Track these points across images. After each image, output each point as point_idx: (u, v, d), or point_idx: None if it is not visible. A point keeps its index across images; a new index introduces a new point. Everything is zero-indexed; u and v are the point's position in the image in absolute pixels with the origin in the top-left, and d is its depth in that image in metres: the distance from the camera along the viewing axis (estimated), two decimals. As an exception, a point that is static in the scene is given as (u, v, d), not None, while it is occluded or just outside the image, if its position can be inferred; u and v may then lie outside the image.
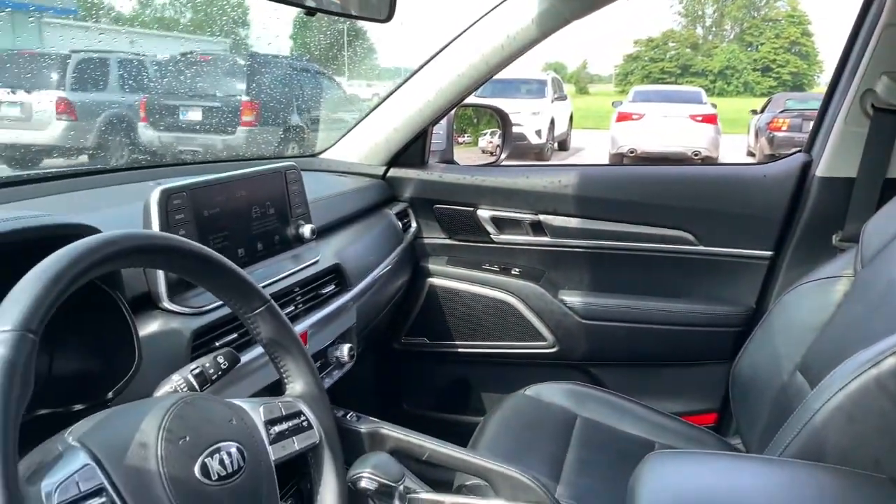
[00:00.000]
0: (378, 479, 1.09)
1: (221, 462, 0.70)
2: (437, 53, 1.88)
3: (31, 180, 1.38)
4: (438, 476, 1.47)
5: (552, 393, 1.71)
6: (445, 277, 2.04)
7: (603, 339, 1.97)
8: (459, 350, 2.07)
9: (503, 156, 2.24)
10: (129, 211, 1.10)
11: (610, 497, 1.43)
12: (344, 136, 2.04)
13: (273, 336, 0.86)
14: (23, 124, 8.55)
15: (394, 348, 2.10)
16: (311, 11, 1.10)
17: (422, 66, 1.91)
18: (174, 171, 1.59)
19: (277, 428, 0.81)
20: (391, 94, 1.96)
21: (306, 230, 1.33)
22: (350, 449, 1.21)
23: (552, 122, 13.43)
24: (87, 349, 0.94)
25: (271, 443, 0.80)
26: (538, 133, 12.83)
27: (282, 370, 0.88)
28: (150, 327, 1.01)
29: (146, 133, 9.22)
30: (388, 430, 1.42)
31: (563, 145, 14.82)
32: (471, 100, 2.01)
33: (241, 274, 0.83)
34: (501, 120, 2.28)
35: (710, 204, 1.91)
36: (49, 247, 0.68)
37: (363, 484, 1.09)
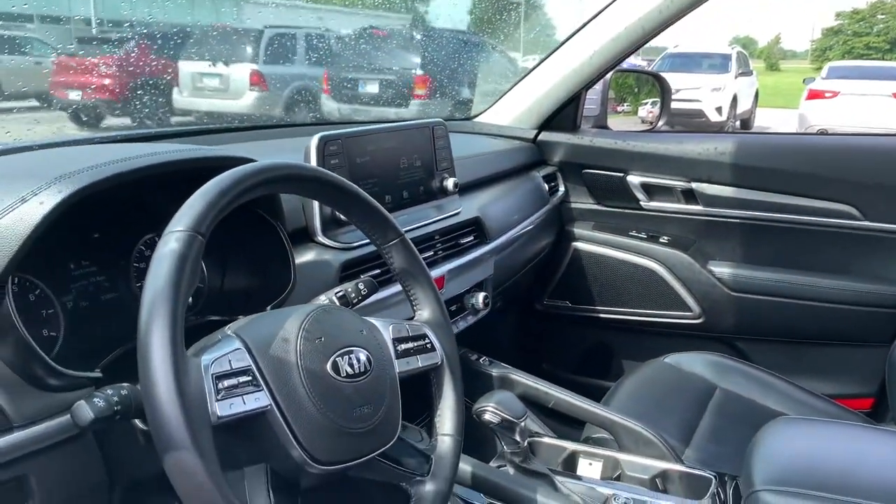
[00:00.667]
0: (501, 413, 1.17)
1: (350, 363, 0.80)
2: (593, 17, 1.90)
3: (218, 130, 1.59)
4: (568, 433, 1.52)
5: (693, 362, 1.70)
6: (591, 242, 2.07)
7: (752, 312, 1.91)
8: (601, 315, 2.09)
9: (660, 124, 2.22)
10: (295, 157, 1.24)
11: (740, 465, 1.42)
12: (498, 99, 2.11)
13: (405, 266, 0.95)
14: (221, 94, 9.37)
15: (536, 309, 2.16)
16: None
17: (577, 30, 1.93)
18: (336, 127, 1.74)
19: (403, 346, 0.90)
20: (546, 58, 1.99)
21: (450, 183, 1.41)
22: (482, 390, 1.29)
23: (734, 98, 12.70)
24: (253, 271, 1.09)
25: (397, 357, 0.89)
26: (718, 110, 12.19)
27: (411, 298, 0.97)
28: (305, 256, 1.14)
29: (328, 104, 9.78)
30: (517, 376, 1.50)
31: (745, 124, 13.98)
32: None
33: (380, 208, 0.93)
34: (661, 88, 2.25)
35: (880, 177, 1.79)
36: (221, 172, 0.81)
37: (487, 417, 1.18)
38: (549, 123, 2.05)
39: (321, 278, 1.11)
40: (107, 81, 9.52)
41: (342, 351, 0.80)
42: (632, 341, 2.09)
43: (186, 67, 9.51)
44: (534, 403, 1.49)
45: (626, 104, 2.67)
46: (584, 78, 1.95)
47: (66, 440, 0.79)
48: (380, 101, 9.65)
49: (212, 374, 0.69)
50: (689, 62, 12.36)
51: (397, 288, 1.09)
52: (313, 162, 1.15)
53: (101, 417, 0.68)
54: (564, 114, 2.04)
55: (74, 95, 9.36)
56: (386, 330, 0.90)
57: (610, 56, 1.89)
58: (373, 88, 9.80)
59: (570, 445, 1.37)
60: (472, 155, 1.74)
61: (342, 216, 1.10)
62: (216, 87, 9.46)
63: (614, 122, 2.27)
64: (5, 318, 0.76)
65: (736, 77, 12.92)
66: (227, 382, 0.70)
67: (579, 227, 2.08)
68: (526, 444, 1.21)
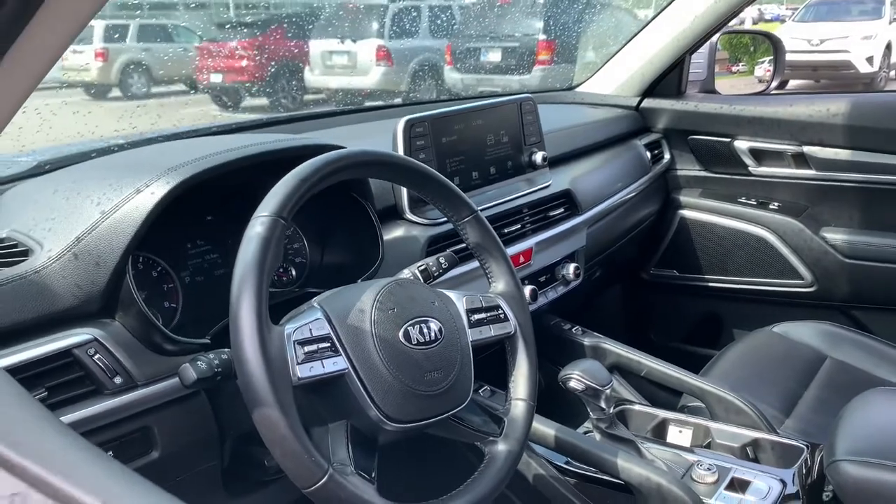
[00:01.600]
0: (585, 381, 1.21)
1: (421, 332, 0.87)
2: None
3: (325, 114, 1.70)
4: (664, 403, 1.53)
5: (803, 331, 1.66)
6: (698, 210, 2.03)
7: (868, 280, 1.82)
8: (710, 284, 2.06)
9: (773, 84, 2.13)
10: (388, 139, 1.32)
11: None
12: (601, 67, 2.10)
13: (479, 241, 1.01)
14: (349, 71, 9.67)
15: (643, 279, 2.16)
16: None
17: (679, -6, 1.89)
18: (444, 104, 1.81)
19: (476, 316, 0.97)
20: (647, 24, 1.97)
21: (538, 157, 1.45)
22: (573, 359, 1.33)
23: (889, 47, 11.66)
24: (348, 247, 1.19)
25: (470, 327, 0.95)
26: (869, 60, 11.23)
27: (486, 271, 1.03)
28: (394, 232, 1.23)
29: (451, 76, 9.87)
30: (609, 345, 1.52)
31: (901, 74, 12.81)
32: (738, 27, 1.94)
33: (452, 187, 0.99)
34: (774, 47, 2.15)
35: None
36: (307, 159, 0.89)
37: (572, 384, 1.22)
38: (652, 90, 2.03)
39: (409, 253, 1.19)
40: (244, 64, 10.07)
41: (414, 321, 0.87)
42: (742, 311, 2.05)
43: (317, 47, 9.89)
44: (627, 372, 1.52)
45: (741, 64, 2.56)
46: (688, 42, 1.91)
47: (182, 397, 0.92)
48: (503, 70, 9.62)
49: (294, 341, 0.79)
50: (835, 9, 11.44)
51: (473, 264, 1.15)
52: (400, 143, 1.23)
53: (203, 378, 0.79)
54: (668, 80, 2.01)
55: (216, 79, 9.98)
56: (459, 301, 0.97)
57: (712, 19, 1.84)
58: (495, 57, 9.78)
59: (661, 413, 1.39)
60: (568, 126, 1.76)
61: (423, 197, 1.17)
62: (345, 64, 9.76)
63: (729, 83, 2.21)
64: (127, 294, 0.89)
65: (891, 22, 11.84)
66: (307, 348, 0.79)
67: (686, 195, 2.05)
68: (612, 410, 1.25)
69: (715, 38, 1.98)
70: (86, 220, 0.89)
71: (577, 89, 2.11)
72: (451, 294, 0.97)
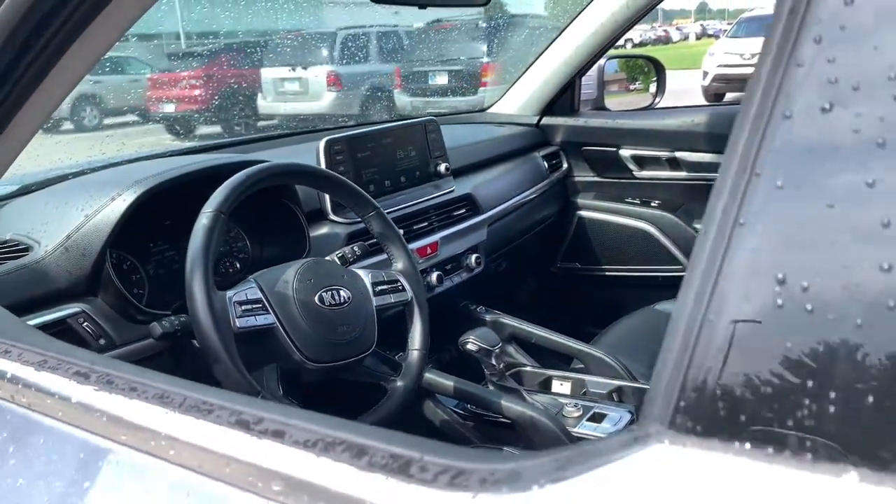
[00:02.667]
0: (479, 343, 1.51)
1: (332, 296, 1.17)
2: (582, 10, 2.19)
3: (267, 138, 1.99)
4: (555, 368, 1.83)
5: None
6: (593, 210, 2.37)
7: None
8: (607, 273, 2.40)
9: (657, 100, 2.48)
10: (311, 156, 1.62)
11: None
12: (507, 90, 2.43)
13: (382, 231, 1.31)
14: (301, 97, 9.93)
15: (551, 272, 2.48)
16: (421, 6, 1.51)
17: (570, 23, 2.23)
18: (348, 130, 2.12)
19: (380, 287, 1.26)
20: (543, 51, 2.30)
21: (442, 167, 1.77)
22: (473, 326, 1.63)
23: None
24: (282, 243, 1.48)
25: (375, 295, 1.25)
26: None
27: (388, 254, 1.33)
28: (319, 230, 1.52)
29: (401, 98, 10.20)
30: (506, 319, 1.84)
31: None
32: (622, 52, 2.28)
33: (358, 189, 1.29)
34: (656, 68, 2.51)
35: None
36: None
37: (468, 346, 1.52)
38: (550, 108, 2.36)
39: (331, 246, 1.49)
40: (196, 93, 10.25)
41: (327, 288, 1.17)
42: (634, 294, 2.38)
43: (268, 74, 10.14)
44: (523, 342, 1.83)
45: (637, 83, 2.92)
46: (576, 65, 2.26)
47: (151, 356, 1.20)
48: (450, 91, 9.98)
49: (234, 301, 1.08)
50: (766, 26, 12.11)
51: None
52: (322, 158, 1.53)
53: (167, 333, 1.08)
54: (563, 99, 2.35)
55: (168, 108, 10.15)
56: (366, 276, 1.27)
57: (595, 45, 2.19)
58: (442, 80, 10.13)
59: (548, 371, 1.70)
60: (474, 142, 2.08)
61: (334, 198, 1.47)
62: (296, 90, 10.00)
63: (627, 100, 2.55)
64: (107, 278, 1.17)
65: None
66: (244, 307, 1.08)
67: (583, 198, 2.39)
68: (502, 367, 1.55)
69: (602, 61, 2.33)
70: (73, 222, 1.17)
71: (489, 110, 2.44)
72: (359, 271, 1.27)
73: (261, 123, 10.37)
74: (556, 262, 2.47)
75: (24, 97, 0.86)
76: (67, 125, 10.28)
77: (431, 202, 1.74)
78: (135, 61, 11.17)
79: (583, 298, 2.50)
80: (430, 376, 1.53)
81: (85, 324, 1.13)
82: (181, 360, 1.25)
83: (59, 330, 1.11)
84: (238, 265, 1.48)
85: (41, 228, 1.19)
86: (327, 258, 1.31)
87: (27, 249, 1.17)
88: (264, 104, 10.23)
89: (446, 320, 1.77)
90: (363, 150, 1.61)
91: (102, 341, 1.15)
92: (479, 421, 1.54)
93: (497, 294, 2.18)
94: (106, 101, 10.75)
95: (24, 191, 1.42)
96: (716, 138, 2.15)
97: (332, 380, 1.25)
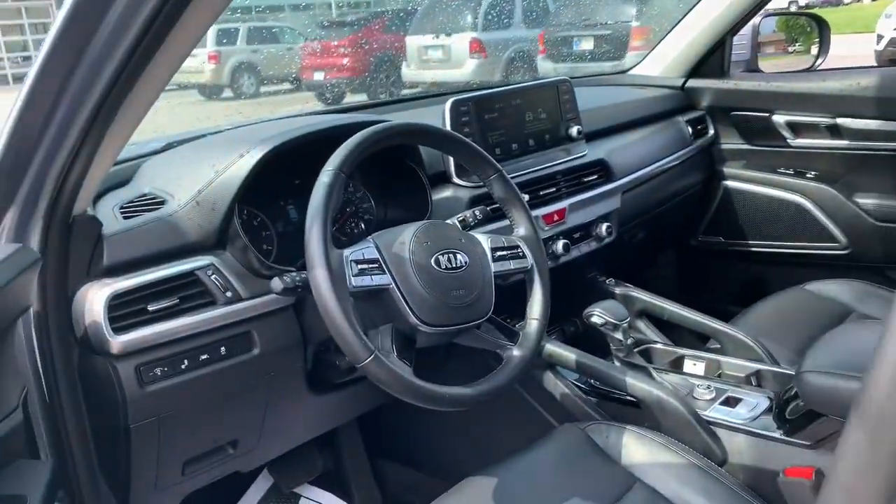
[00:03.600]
0: (605, 316, 1.45)
1: (449, 259, 1.14)
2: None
3: (397, 101, 1.99)
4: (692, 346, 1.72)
5: (833, 288, 1.81)
6: (741, 181, 2.20)
7: None
8: (753, 249, 2.23)
9: (819, 62, 2.26)
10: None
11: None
12: (650, 52, 2.30)
13: (503, 195, 1.27)
14: (444, 64, 9.98)
15: (691, 245, 2.34)
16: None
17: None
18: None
19: (499, 253, 1.22)
20: (691, 9, 2.15)
21: (574, 131, 1.69)
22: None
23: None
24: (405, 204, 1.47)
25: (493, 261, 1.21)
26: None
27: (510, 219, 1.28)
28: (442, 193, 1.50)
29: (545, 65, 10.00)
30: (637, 293, 1.75)
31: None
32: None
33: (480, 151, 1.25)
34: (819, 27, 2.28)
35: None
36: None
37: (593, 319, 1.46)
38: (697, 70, 2.21)
39: (453, 209, 1.46)
40: (344, 61, 10.54)
41: (444, 251, 1.14)
42: (781, 273, 2.20)
43: (413, 42, 10.25)
44: (652, 317, 1.73)
45: (797, 44, 2.68)
46: (728, 23, 2.09)
47: (275, 310, 1.23)
48: (596, 57, 9.67)
49: (350, 260, 1.07)
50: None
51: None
52: (447, 120, 1.50)
53: (288, 288, 1.09)
54: (712, 60, 2.18)
55: (319, 76, 10.51)
56: (486, 241, 1.23)
57: (750, 1, 2.00)
58: (588, 45, 9.84)
59: (680, 350, 1.60)
60: (611, 105, 1.98)
61: (456, 160, 1.44)
62: (440, 57, 10.06)
63: (786, 62, 2.35)
64: (234, 232, 1.20)
65: None
66: (360, 266, 1.08)
67: (729, 167, 2.22)
68: (629, 342, 1.47)
69: (757, 19, 2.14)
70: (204, 177, 1.21)
71: (629, 72, 2.32)
72: (478, 236, 1.24)
73: (404, 91, 10.54)
74: (697, 235, 2.32)
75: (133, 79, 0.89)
76: (227, 92, 10.92)
77: (560, 167, 1.67)
78: (289, 31, 11.67)
79: (724, 275, 2.34)
80: (552, 348, 1.48)
81: (213, 276, 1.17)
82: (303, 317, 1.27)
83: (189, 281, 1.15)
84: (363, 226, 1.49)
85: (175, 183, 1.24)
86: (448, 221, 1.29)
87: (162, 203, 1.22)
88: (408, 72, 10.36)
89: (572, 291, 1.70)
90: (490, 111, 1.56)
91: (229, 294, 1.18)
92: (600, 397, 1.47)
93: (628, 266, 2.08)
94: (262, 70, 11.31)
95: (168, 148, 1.49)
96: (884, 103, 1.93)
97: (446, 344, 1.23)
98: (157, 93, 0.98)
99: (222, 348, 1.19)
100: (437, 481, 1.83)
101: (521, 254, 1.25)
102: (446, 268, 1.13)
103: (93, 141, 0.97)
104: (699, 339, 1.76)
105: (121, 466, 1.19)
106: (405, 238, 1.14)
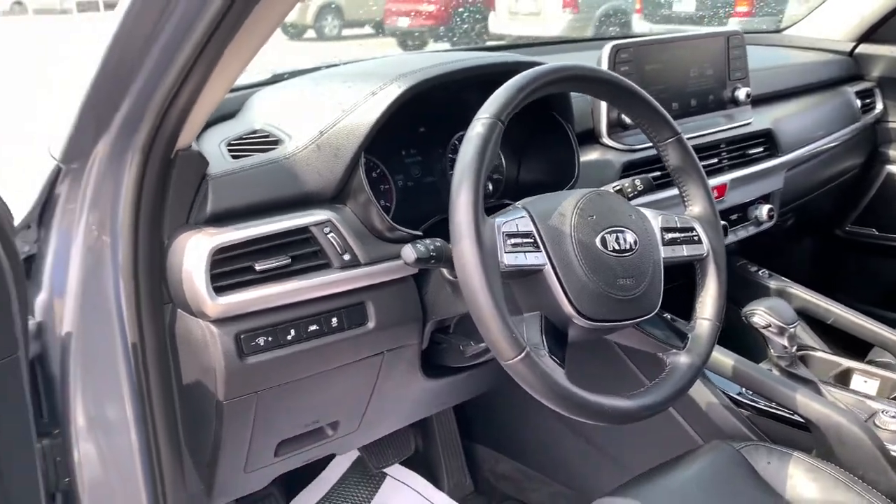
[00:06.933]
0: (769, 317, 1.22)
1: (617, 240, 0.92)
2: None
3: (528, 44, 1.76)
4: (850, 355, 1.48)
5: None
6: None
7: None
8: None
9: None
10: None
11: None
12: (814, 9, 1.99)
13: (680, 164, 1.04)
14: (534, 17, 9.60)
15: (837, 235, 2.06)
16: None
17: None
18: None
19: (670, 235, 1.00)
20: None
21: (742, 93, 1.43)
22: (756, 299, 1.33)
23: None
24: (544, 166, 1.25)
25: (664, 244, 0.99)
26: None
27: (683, 194, 1.05)
28: (590, 155, 1.28)
29: (640, 25, 9.50)
30: (796, 290, 1.50)
31: None
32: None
33: (659, 108, 1.02)
34: None
35: None
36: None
37: (755, 319, 1.23)
38: (870, 35, 1.90)
39: (603, 175, 1.24)
40: (430, 8, 10.26)
41: (611, 229, 0.93)
42: None
43: (503, -9, 9.90)
44: (812, 319, 1.48)
45: None
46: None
47: (394, 280, 1.04)
48: (695, 20, 9.14)
49: (503, 232, 0.87)
50: None
51: (673, 192, 1.17)
52: (605, 66, 1.26)
53: (421, 258, 0.89)
54: (891, 24, 1.87)
55: (402, 22, 10.27)
56: (655, 219, 1.00)
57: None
58: (688, 7, 9.28)
59: (846, 362, 1.36)
60: (774, 66, 1.70)
61: (625, 116, 1.21)
62: (530, 10, 9.68)
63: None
64: (358, 184, 1.01)
65: None
66: (513, 240, 0.87)
67: None
68: (794, 349, 1.24)
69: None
70: (328, 116, 1.01)
71: (786, 32, 2.02)
72: (647, 212, 1.01)
73: (489, 43, 10.21)
74: (845, 224, 2.03)
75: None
76: (310, 33, 10.76)
77: (724, 135, 1.42)
78: (376, -29, 11.40)
79: (873, 272, 2.05)
80: None
81: (330, 234, 0.98)
82: (425, 291, 1.08)
83: (302, 238, 0.97)
84: (490, 187, 1.28)
85: (293, 121, 1.05)
86: (609, 190, 1.07)
87: (277, 142, 1.03)
88: (495, 23, 10.02)
89: None
90: (653, 61, 1.32)
91: (346, 257, 0.99)
92: (756, 411, 1.25)
93: (774, 256, 1.82)
94: (346, 12, 11.11)
95: (276, 79, 1.30)
96: None
97: (601, 341, 1.02)
98: (279, 18, 0.79)
99: (334, 319, 1.00)
100: (531, 472, 1.65)
101: (696, 238, 1.02)
102: (613, 250, 0.92)
103: (205, 65, 0.79)
104: (858, 348, 1.50)
105: (208, 444, 1.03)
106: (566, 209, 0.92)
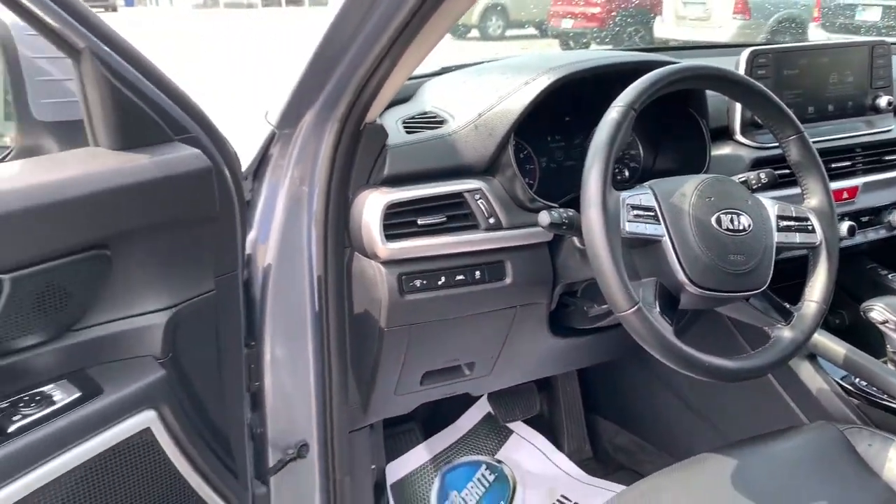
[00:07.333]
0: (888, 313, 1.28)
1: (731, 220, 1.04)
2: None
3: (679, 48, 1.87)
4: None
5: None
6: None
7: None
8: None
9: None
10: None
11: None
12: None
13: (800, 159, 1.14)
14: (702, 23, 9.37)
15: None
16: None
17: None
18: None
19: (785, 222, 1.10)
20: None
21: (883, 101, 1.48)
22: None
23: None
24: (678, 157, 1.38)
25: (778, 230, 1.10)
26: None
27: (802, 187, 1.15)
28: (722, 150, 1.39)
29: (817, 34, 9.06)
30: None
31: None
32: None
33: (782, 106, 1.12)
34: None
35: None
36: None
37: (873, 314, 1.29)
38: None
39: (732, 169, 1.35)
40: (595, 10, 10.26)
41: (727, 210, 1.05)
42: None
43: (673, -4, 9.73)
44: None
45: None
46: None
47: (530, 245, 1.22)
48: (878, 30, 8.58)
49: (627, 203, 1.02)
50: None
51: (797, 190, 1.25)
52: (741, 71, 1.37)
53: (554, 223, 1.06)
54: None
55: (566, 24, 10.35)
56: (772, 207, 1.12)
57: None
58: (873, 15, 8.74)
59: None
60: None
61: (753, 114, 1.31)
62: (699, 15, 9.47)
63: None
64: (507, 160, 1.19)
65: None
66: (636, 212, 1.02)
67: None
68: (912, 350, 1.29)
69: None
70: (486, 101, 1.20)
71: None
72: (764, 199, 1.12)
73: (642, 47, 10.05)
74: None
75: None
76: (474, 32, 11.09)
77: (860, 139, 1.48)
78: (545, -26, 11.54)
79: None
80: (819, 337, 1.33)
81: (479, 200, 1.18)
82: (556, 255, 1.25)
83: (456, 202, 1.17)
84: (627, 173, 1.43)
85: (457, 104, 1.25)
86: (733, 178, 1.18)
87: (442, 122, 1.24)
88: (661, 27, 9.87)
89: (845, 280, 1.52)
90: (791, 66, 1.41)
91: (491, 220, 1.18)
92: (865, 400, 1.31)
93: None
94: (511, 13, 11.34)
95: (443, 71, 1.51)
96: None
97: (709, 310, 1.15)
98: (455, 18, 0.98)
99: (477, 272, 1.20)
100: (647, 445, 1.77)
101: (810, 227, 1.12)
102: (727, 229, 1.05)
103: (394, 55, 1.01)
104: None
105: (369, 366, 1.25)
106: (687, 190, 1.06)
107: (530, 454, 1.78)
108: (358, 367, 1.26)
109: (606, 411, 1.85)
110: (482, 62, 1.52)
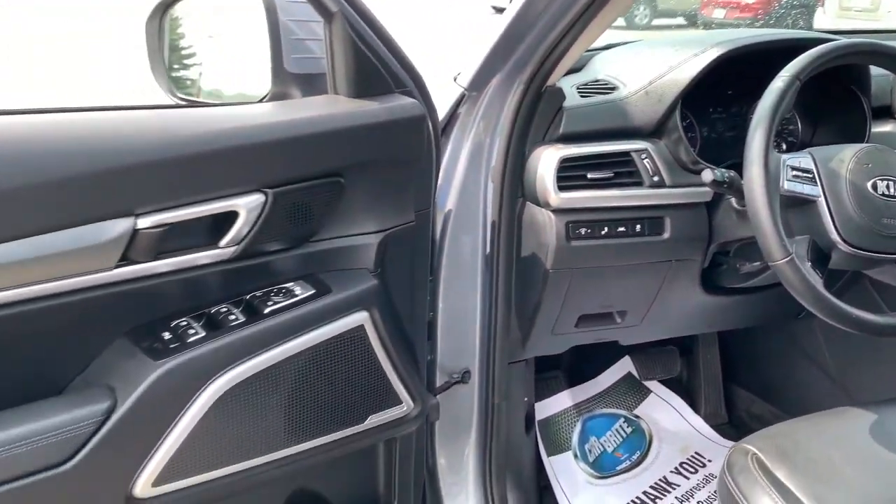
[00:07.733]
0: None
1: (887, 186, 1.11)
2: None
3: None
4: None
5: None
6: None
7: None
8: None
9: None
10: None
11: None
12: None
13: None
14: (868, 15, 8.81)
15: None
16: None
17: None
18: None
19: None
20: None
21: None
22: None
23: None
24: (836, 132, 1.44)
25: None
26: None
27: None
28: (882, 127, 1.43)
29: None
30: None
31: None
32: None
33: None
34: None
35: None
36: None
37: None
38: None
39: (892, 147, 1.39)
40: (751, 1, 9.87)
41: (883, 177, 1.12)
42: None
43: (837, -14, 9.21)
44: None
45: None
46: None
47: (690, 204, 1.33)
48: None
49: (787, 164, 1.11)
50: None
51: None
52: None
53: (716, 181, 1.17)
54: None
55: (718, 14, 10.01)
56: None
57: None
58: None
59: None
60: None
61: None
62: (864, 6, 8.92)
63: None
64: (673, 124, 1.31)
65: None
66: (794, 172, 1.11)
67: None
68: None
69: None
70: (656, 70, 1.32)
71: None
72: None
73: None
74: None
75: None
76: (619, 21, 10.94)
77: None
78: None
79: None
80: None
81: (645, 159, 1.30)
82: (713, 215, 1.35)
83: (623, 160, 1.30)
84: (784, 146, 1.50)
85: (629, 72, 1.38)
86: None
87: (614, 88, 1.37)
88: (822, 19, 9.36)
89: None
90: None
91: (655, 178, 1.30)
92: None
93: None
94: (659, 1, 11.09)
95: (608, 47, 1.63)
96: None
97: (859, 270, 1.22)
98: None
99: (638, 226, 1.32)
100: (784, 415, 1.82)
101: None
102: (883, 194, 1.12)
103: (579, 28, 1.15)
104: None
105: (531, 304, 1.41)
106: (845, 156, 1.14)
107: (667, 413, 1.88)
108: (521, 305, 1.42)
109: (744, 380, 1.92)
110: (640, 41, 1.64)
